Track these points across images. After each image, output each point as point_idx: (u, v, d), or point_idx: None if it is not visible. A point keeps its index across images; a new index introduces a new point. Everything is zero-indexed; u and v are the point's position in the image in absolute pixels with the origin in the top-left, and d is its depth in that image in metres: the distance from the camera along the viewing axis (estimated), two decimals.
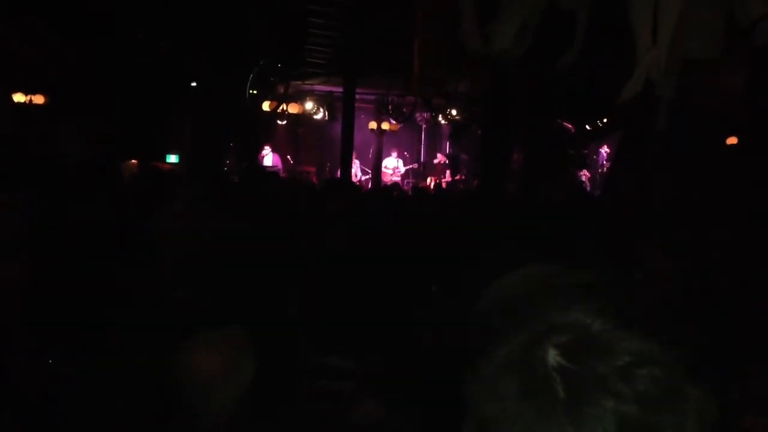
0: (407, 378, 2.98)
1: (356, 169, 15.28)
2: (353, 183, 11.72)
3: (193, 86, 11.31)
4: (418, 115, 16.22)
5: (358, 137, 13.43)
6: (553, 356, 0.65)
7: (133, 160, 9.23)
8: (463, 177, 15.98)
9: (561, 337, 0.66)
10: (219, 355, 1.92)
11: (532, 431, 0.63)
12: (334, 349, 3.09)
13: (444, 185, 15.37)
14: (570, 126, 13.26)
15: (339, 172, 12.81)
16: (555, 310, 0.69)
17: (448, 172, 16.58)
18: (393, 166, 16.76)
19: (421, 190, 11.47)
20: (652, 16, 3.30)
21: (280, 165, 14.78)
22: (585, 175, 15.42)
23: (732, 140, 10.79)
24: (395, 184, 13.21)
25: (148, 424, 2.15)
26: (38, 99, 12.20)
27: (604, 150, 15.89)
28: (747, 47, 4.44)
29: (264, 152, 14.76)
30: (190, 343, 1.97)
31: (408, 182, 16.14)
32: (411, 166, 17.16)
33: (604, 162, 15.98)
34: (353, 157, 13.09)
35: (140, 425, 2.22)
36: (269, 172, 12.48)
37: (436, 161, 17.48)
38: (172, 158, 12.38)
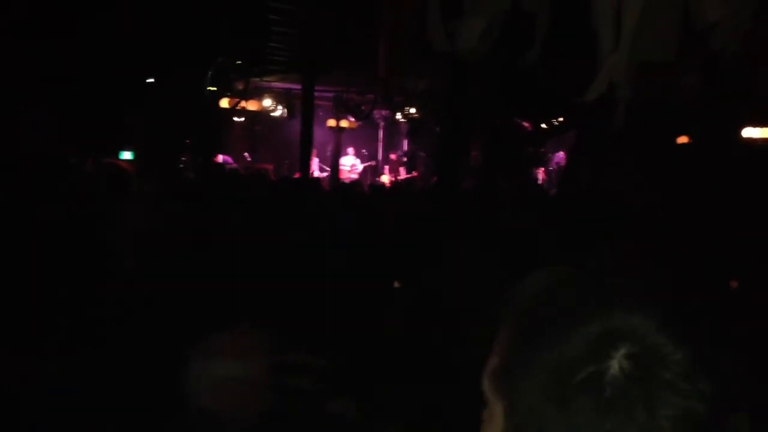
0: (377, 375, 3.00)
1: (315, 167, 15.22)
2: (316, 180, 11.67)
3: (149, 82, 11.12)
4: (376, 112, 16.24)
5: (317, 135, 13.40)
6: (626, 366, 0.63)
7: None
8: (417, 174, 16.07)
9: (629, 345, 0.64)
10: (238, 359, 1.90)
11: None
12: (299, 346, 3.08)
13: (400, 182, 15.44)
14: (527, 124, 13.44)
15: (298, 170, 12.75)
16: (613, 315, 0.66)
17: (402, 169, 16.66)
18: (350, 163, 16.75)
19: (378, 188, 11.50)
20: (614, 20, 3.37)
21: (231, 162, 14.63)
22: (541, 173, 15.64)
23: (683, 139, 11.06)
24: (357, 182, 13.20)
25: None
26: None
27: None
28: (700, 49, 4.57)
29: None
30: (203, 348, 1.92)
31: (367, 180, 16.16)
32: (369, 163, 17.17)
33: (560, 160, 16.22)
34: (312, 154, 13.05)
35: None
36: (229, 169, 12.39)
37: (392, 157, 17.53)
38: (126, 155, 12.15)
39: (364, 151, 17.25)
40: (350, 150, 16.88)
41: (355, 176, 16.24)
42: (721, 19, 3.45)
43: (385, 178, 16.39)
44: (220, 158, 14.61)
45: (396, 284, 4.55)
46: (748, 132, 11.01)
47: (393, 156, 17.58)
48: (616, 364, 0.63)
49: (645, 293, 0.71)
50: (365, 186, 12.76)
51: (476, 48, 3.86)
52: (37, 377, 3.19)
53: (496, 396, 0.74)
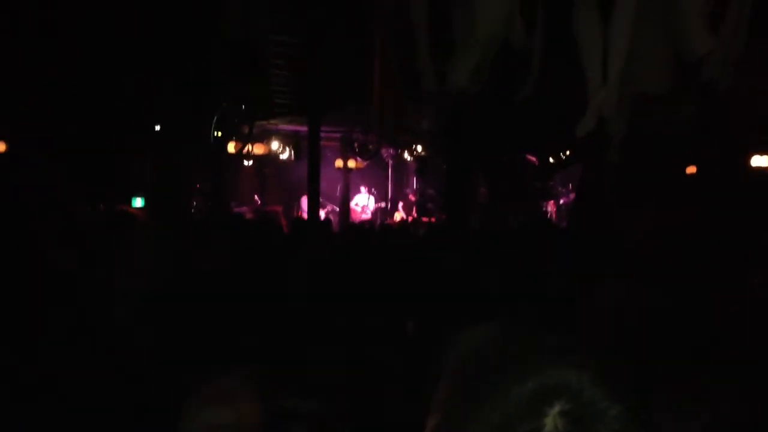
0: (371, 420, 2.96)
1: (325, 208, 15.30)
2: (328, 222, 11.70)
3: (157, 130, 11.28)
4: (384, 151, 16.33)
5: (325, 175, 13.46)
6: (560, 423, 0.63)
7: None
8: (429, 210, 16.04)
9: (564, 402, 0.64)
10: (231, 406, 1.89)
11: None
12: (295, 391, 3.04)
13: (412, 222, 15.44)
14: (534, 159, 13.46)
15: (306, 212, 12.78)
16: (547, 372, 0.66)
17: (415, 209, 16.67)
18: (363, 203, 16.76)
19: (388, 228, 11.49)
20: (601, 56, 3.39)
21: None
22: (551, 206, 15.60)
23: (691, 169, 11.03)
24: (369, 223, 13.22)
25: None
26: (1, 146, 12.04)
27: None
28: (695, 80, 4.58)
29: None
30: (198, 396, 1.92)
31: (377, 219, 16.19)
32: (379, 204, 17.17)
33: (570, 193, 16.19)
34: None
35: None
36: (235, 212, 12.47)
37: (411, 198, 17.43)
38: (138, 202, 12.28)
39: (374, 190, 17.29)
40: (363, 188, 16.89)
41: (367, 216, 16.25)
42: (710, 51, 3.46)
43: (398, 216, 16.39)
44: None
45: (409, 327, 4.50)
46: (757, 161, 10.96)
47: (412, 197, 17.48)
48: (551, 422, 0.63)
49: (578, 349, 0.71)
50: (376, 226, 12.78)
51: (467, 86, 3.88)
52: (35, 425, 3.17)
53: None
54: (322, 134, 11.91)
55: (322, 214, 14.76)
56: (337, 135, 15.22)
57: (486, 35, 3.62)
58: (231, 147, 13.24)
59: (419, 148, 15.32)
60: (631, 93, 3.70)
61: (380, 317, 4.35)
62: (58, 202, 8.94)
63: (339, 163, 16.17)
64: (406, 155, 16.40)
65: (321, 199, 14.52)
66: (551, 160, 13.71)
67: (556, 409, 0.63)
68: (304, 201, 14.58)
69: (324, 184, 13.11)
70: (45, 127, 10.76)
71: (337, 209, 16.31)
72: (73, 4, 8.53)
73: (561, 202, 15.98)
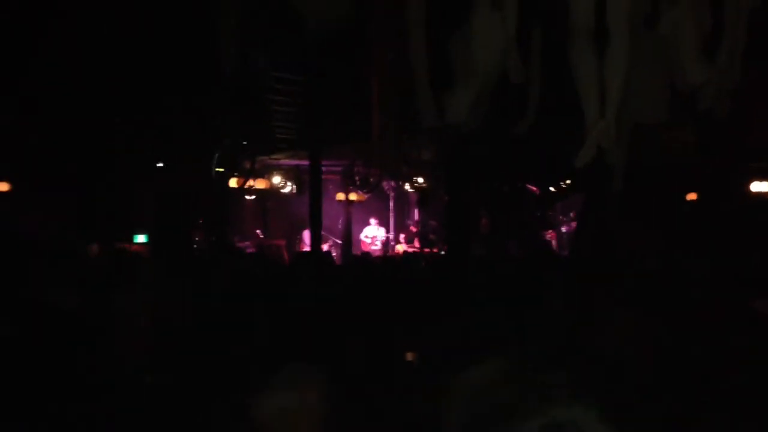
0: None
1: (327, 241, 15.31)
2: (329, 254, 11.71)
3: (159, 167, 11.36)
4: (385, 183, 16.38)
5: (327, 208, 13.48)
6: None
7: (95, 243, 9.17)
8: (432, 241, 16.05)
9: None
10: (299, 394, 2.09)
11: None
12: None
13: (412, 251, 15.43)
14: (534, 188, 13.50)
15: (309, 245, 12.80)
16: (553, 409, 0.67)
17: (417, 240, 16.66)
18: (373, 234, 16.77)
19: (391, 260, 11.48)
20: (597, 89, 3.43)
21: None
22: (551, 235, 15.60)
23: (692, 196, 11.05)
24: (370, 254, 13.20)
25: None
26: (2, 186, 12.11)
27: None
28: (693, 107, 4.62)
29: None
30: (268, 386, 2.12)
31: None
32: (386, 235, 17.20)
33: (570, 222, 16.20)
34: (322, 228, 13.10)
35: None
36: (236, 247, 12.48)
37: (413, 229, 17.46)
38: (140, 238, 12.31)
39: (375, 221, 17.30)
40: (372, 221, 16.90)
41: (376, 248, 16.25)
42: (705, 81, 3.50)
43: (401, 248, 16.38)
44: None
45: (412, 358, 4.47)
46: (757, 186, 10.98)
47: (413, 228, 17.49)
48: None
49: (582, 385, 0.71)
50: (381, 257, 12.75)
51: (467, 120, 3.92)
52: None
53: None
54: (323, 168, 11.97)
55: (325, 247, 14.76)
56: (338, 168, 15.29)
57: (484, 70, 3.67)
58: (233, 182, 13.31)
59: (420, 179, 15.36)
60: (629, 123, 3.74)
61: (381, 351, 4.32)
62: (60, 241, 8.97)
63: (340, 196, 16.20)
64: (407, 187, 16.44)
65: (323, 233, 14.52)
66: (551, 189, 13.75)
67: None
68: (306, 235, 14.60)
69: (325, 218, 13.14)
70: (46, 166, 10.84)
71: (339, 242, 16.31)
72: (76, 40, 8.63)
73: (563, 230, 15.98)
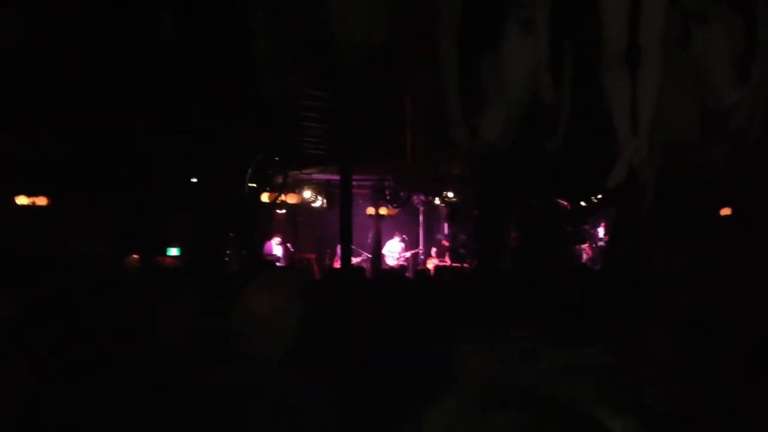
0: None
1: (360, 256, 15.41)
2: (361, 270, 11.77)
3: (193, 182, 11.55)
4: (415, 198, 16.41)
5: (357, 222, 13.54)
6: None
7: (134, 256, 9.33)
8: (462, 256, 16.01)
9: None
10: (273, 296, 2.20)
11: None
12: None
13: (442, 266, 15.40)
14: (566, 203, 13.43)
15: (339, 259, 12.87)
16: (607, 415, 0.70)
17: (447, 255, 16.64)
18: (397, 249, 16.80)
19: (422, 274, 11.52)
20: (630, 109, 3.46)
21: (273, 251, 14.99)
22: (585, 250, 15.49)
23: (726, 211, 10.93)
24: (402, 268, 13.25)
25: None
26: (41, 201, 12.39)
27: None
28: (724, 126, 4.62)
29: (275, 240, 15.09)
30: (248, 287, 2.25)
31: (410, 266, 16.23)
32: (416, 250, 17.20)
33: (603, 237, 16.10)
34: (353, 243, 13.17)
35: None
36: (267, 261, 12.61)
37: (445, 243, 17.43)
38: (173, 251, 12.48)
39: (405, 236, 17.32)
40: (396, 236, 16.96)
41: (402, 262, 16.29)
42: (738, 101, 3.51)
43: (432, 263, 16.37)
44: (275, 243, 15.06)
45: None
46: None
47: (445, 242, 17.46)
48: None
49: (616, 399, 0.74)
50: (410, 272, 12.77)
51: (498, 141, 3.97)
52: None
53: None
54: (354, 182, 12.05)
55: (356, 261, 14.83)
56: (369, 183, 15.36)
57: (515, 92, 3.72)
58: (265, 197, 13.44)
59: (450, 194, 15.36)
60: (661, 142, 3.75)
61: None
62: (97, 255, 9.14)
63: (370, 210, 16.26)
64: (437, 201, 16.45)
65: (354, 247, 14.59)
66: (582, 203, 13.69)
67: None
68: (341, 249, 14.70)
69: (355, 232, 13.20)
70: (84, 180, 11.07)
71: (370, 256, 16.37)
72: (115, 60, 8.83)
73: (598, 243, 15.89)
